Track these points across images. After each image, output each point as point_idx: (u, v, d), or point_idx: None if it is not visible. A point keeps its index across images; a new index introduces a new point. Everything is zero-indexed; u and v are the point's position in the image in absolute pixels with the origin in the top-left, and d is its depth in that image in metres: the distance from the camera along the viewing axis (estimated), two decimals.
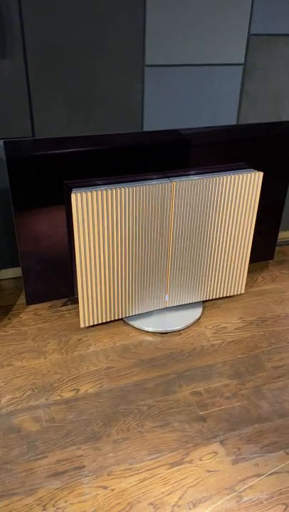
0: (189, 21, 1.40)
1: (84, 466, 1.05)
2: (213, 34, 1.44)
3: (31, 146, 1.20)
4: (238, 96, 1.58)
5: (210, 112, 1.58)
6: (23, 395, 1.23)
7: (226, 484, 1.02)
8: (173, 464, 1.06)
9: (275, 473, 1.05)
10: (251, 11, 1.45)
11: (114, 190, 1.25)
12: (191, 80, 1.49)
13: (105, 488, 1.01)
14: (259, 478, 1.04)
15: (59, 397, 1.23)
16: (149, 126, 1.53)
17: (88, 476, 1.03)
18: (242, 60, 1.52)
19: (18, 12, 1.24)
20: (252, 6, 1.44)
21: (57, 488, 1.00)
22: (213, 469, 1.05)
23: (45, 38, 1.29)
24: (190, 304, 1.60)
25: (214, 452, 1.09)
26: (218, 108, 1.58)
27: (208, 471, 1.05)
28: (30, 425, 1.15)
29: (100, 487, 1.01)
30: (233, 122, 1.63)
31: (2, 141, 1.40)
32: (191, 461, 1.07)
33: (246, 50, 1.51)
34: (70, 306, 1.59)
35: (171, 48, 1.42)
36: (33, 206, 1.28)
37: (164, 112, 1.52)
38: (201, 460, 1.07)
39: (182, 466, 1.06)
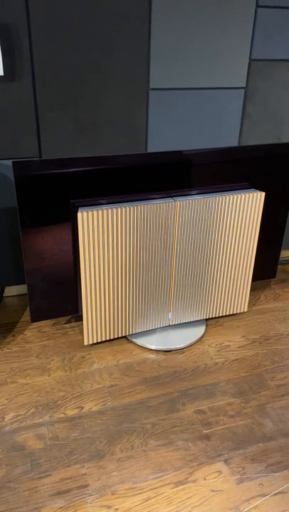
0: (192, 46, 1.45)
1: (88, 485, 1.05)
2: (216, 59, 1.49)
3: (39, 167, 1.23)
4: (239, 118, 1.62)
5: (212, 133, 1.61)
6: (26, 412, 1.23)
7: (230, 504, 1.02)
8: (177, 483, 1.06)
9: (280, 493, 1.04)
10: (252, 37, 1.50)
11: (119, 209, 1.28)
12: (194, 103, 1.54)
13: (109, 507, 1.00)
14: (264, 498, 1.03)
15: (63, 415, 1.23)
16: (153, 147, 1.56)
17: (92, 495, 1.03)
18: (243, 84, 1.57)
19: (28, 37, 1.29)
20: (253, 32, 1.50)
21: (60, 508, 1.00)
22: (217, 489, 1.05)
23: (53, 62, 1.34)
24: (193, 322, 1.61)
25: (219, 471, 1.09)
26: (220, 130, 1.62)
27: (213, 491, 1.04)
28: (34, 443, 1.15)
29: (103, 506, 1.00)
30: (235, 143, 1.67)
31: (11, 161, 1.43)
32: (195, 481, 1.07)
33: (247, 74, 1.56)
34: (74, 324, 1.60)
35: (175, 72, 1.47)
36: (40, 224, 1.31)
37: (167, 133, 1.56)
38: (205, 479, 1.07)
39: (186, 485, 1.06)
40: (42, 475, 1.07)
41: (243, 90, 1.58)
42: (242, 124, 1.64)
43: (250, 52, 1.53)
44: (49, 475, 1.07)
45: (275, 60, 1.57)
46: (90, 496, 1.02)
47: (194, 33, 1.43)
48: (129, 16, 1.34)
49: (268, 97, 1.63)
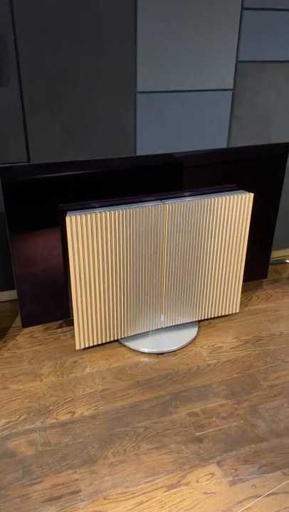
0: (179, 49, 1.45)
1: (80, 491, 1.04)
2: (203, 61, 1.50)
3: (26, 171, 1.22)
4: (228, 120, 1.63)
5: (201, 135, 1.62)
6: (18, 418, 1.22)
7: (223, 506, 1.01)
8: (170, 487, 1.05)
9: (272, 494, 1.04)
10: (238, 38, 1.51)
11: (108, 213, 1.27)
12: (182, 105, 1.54)
13: None
14: (257, 500, 1.03)
15: (55, 420, 1.22)
16: (142, 150, 1.56)
17: (84, 500, 1.02)
18: (231, 86, 1.57)
19: (14, 41, 1.28)
20: (239, 34, 1.50)
21: None
22: (210, 491, 1.04)
23: (40, 66, 1.33)
24: (185, 324, 1.60)
25: (211, 474, 1.08)
26: (208, 132, 1.62)
27: (206, 493, 1.04)
28: (26, 449, 1.14)
29: None
30: (224, 145, 1.67)
31: None
32: (188, 484, 1.06)
33: (235, 76, 1.56)
34: (65, 328, 1.59)
35: (162, 75, 1.47)
36: (29, 229, 1.30)
37: (156, 136, 1.56)
38: (198, 482, 1.06)
39: (179, 488, 1.05)
40: (33, 481, 1.06)
41: (231, 92, 1.59)
42: (230, 125, 1.64)
43: (237, 54, 1.53)
44: (41, 481, 1.06)
45: (262, 61, 1.58)
46: (81, 501, 1.02)
47: (181, 36, 1.43)
48: (115, 20, 1.34)
49: (257, 99, 1.63)
